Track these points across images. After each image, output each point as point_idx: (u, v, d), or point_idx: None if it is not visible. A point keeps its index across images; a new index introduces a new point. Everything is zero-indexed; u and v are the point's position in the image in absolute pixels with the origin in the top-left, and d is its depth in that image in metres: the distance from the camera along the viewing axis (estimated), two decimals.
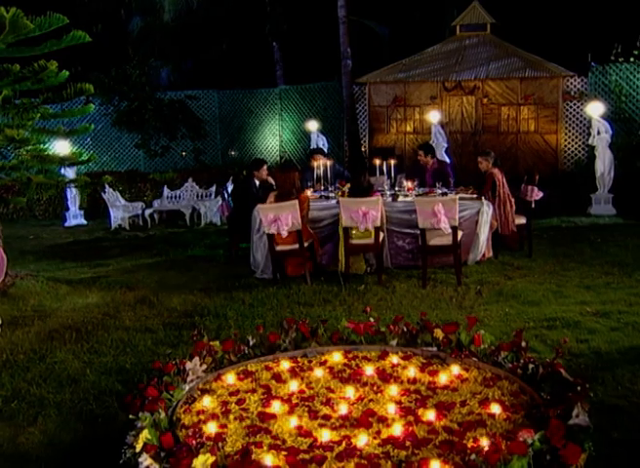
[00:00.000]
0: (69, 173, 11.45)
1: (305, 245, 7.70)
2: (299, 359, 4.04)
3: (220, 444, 2.87)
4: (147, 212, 12.89)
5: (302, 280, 7.67)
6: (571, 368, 4.54)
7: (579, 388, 3.19)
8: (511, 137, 14.37)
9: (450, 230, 7.32)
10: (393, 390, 3.55)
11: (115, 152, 17.42)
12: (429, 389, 3.60)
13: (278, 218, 7.47)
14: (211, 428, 3.09)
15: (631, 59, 13.47)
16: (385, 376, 3.77)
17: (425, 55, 15.48)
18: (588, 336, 5.50)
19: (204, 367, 3.71)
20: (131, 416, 3.04)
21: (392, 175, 8.96)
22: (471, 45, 15.23)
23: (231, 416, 3.30)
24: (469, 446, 2.94)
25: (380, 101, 15.39)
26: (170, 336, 5.98)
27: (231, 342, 4.02)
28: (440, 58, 15.27)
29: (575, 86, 14.06)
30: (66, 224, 13.31)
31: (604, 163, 11.71)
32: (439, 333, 4.13)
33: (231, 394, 3.57)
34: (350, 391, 3.54)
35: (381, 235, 7.78)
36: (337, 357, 4.04)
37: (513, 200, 8.56)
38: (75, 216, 13.53)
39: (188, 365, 3.62)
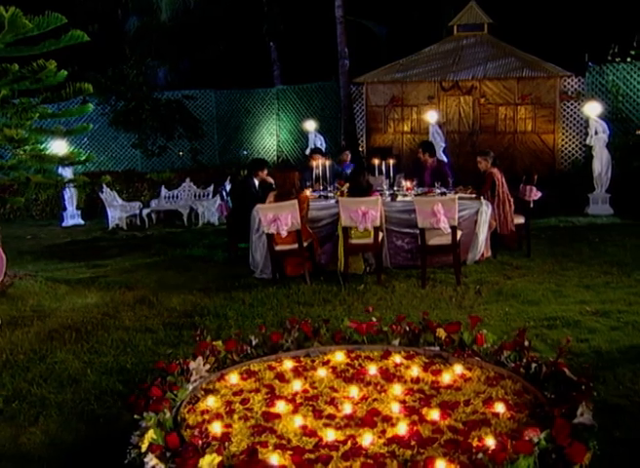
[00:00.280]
0: (66, 172, 11.40)
1: (305, 245, 7.70)
2: (301, 358, 4.04)
3: (226, 443, 2.86)
4: (145, 211, 12.87)
5: (302, 280, 7.66)
6: (572, 367, 4.52)
7: (583, 387, 3.20)
8: (509, 137, 14.40)
9: (449, 230, 7.33)
10: (397, 389, 3.55)
11: (112, 152, 17.40)
12: (433, 388, 3.61)
13: (277, 218, 7.47)
14: (216, 428, 3.09)
15: (628, 60, 13.52)
16: (389, 376, 3.77)
17: (423, 55, 15.50)
18: (589, 336, 5.51)
19: (207, 366, 3.70)
20: (136, 416, 3.03)
21: (391, 174, 8.96)
22: (469, 45, 15.25)
23: (235, 416, 3.30)
24: (474, 445, 2.95)
25: (377, 101, 15.40)
26: (170, 336, 5.97)
27: (234, 342, 4.01)
28: (437, 57, 15.28)
29: (572, 86, 14.09)
30: (64, 224, 13.29)
31: (601, 163, 11.74)
32: (441, 333, 4.13)
33: (235, 394, 3.57)
34: (354, 391, 3.54)
35: (381, 235, 7.79)
36: (339, 356, 4.04)
37: (512, 200, 8.57)
38: (73, 216, 13.51)
39: (192, 364, 3.61)
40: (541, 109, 14.09)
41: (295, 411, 3.34)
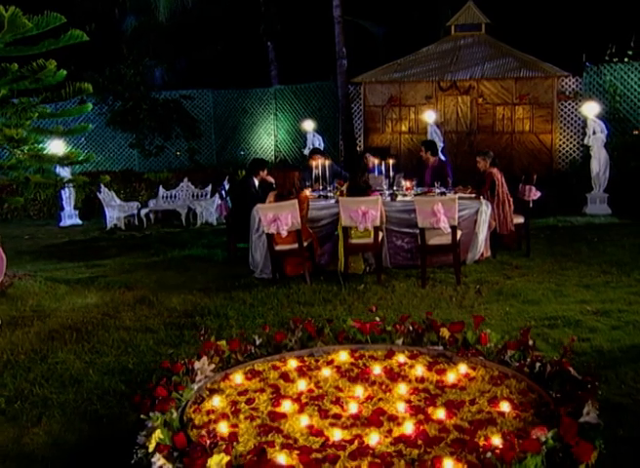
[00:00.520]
0: (64, 172, 11.40)
1: (305, 244, 7.70)
2: (305, 358, 4.04)
3: (236, 443, 2.86)
4: (143, 211, 12.85)
5: (302, 279, 7.66)
6: (574, 366, 4.55)
7: (589, 386, 3.20)
8: (506, 137, 14.42)
9: (449, 230, 7.34)
10: (402, 389, 3.55)
11: (109, 152, 17.37)
12: (438, 388, 3.61)
13: (278, 218, 7.47)
14: (222, 428, 3.09)
15: (625, 60, 13.57)
16: (393, 375, 3.77)
17: (420, 55, 15.52)
18: (590, 335, 5.52)
19: (212, 366, 3.70)
20: (142, 416, 3.03)
21: (391, 174, 8.96)
22: (466, 45, 15.27)
23: (241, 416, 3.29)
24: (481, 444, 2.95)
25: (375, 101, 15.42)
26: (171, 336, 5.96)
27: (238, 342, 4.01)
28: (435, 57, 15.31)
29: (569, 86, 14.12)
30: (61, 224, 13.26)
31: (599, 162, 11.76)
32: (445, 332, 4.14)
33: (240, 393, 3.56)
34: (359, 390, 3.55)
35: (381, 235, 7.79)
36: (343, 356, 4.04)
37: (512, 199, 8.58)
38: (70, 216, 13.48)
39: (196, 364, 3.61)
40: (539, 109, 14.12)
41: (300, 411, 3.34)
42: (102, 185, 12.52)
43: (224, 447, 2.80)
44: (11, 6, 6.72)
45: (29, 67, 6.97)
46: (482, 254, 8.30)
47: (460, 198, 7.70)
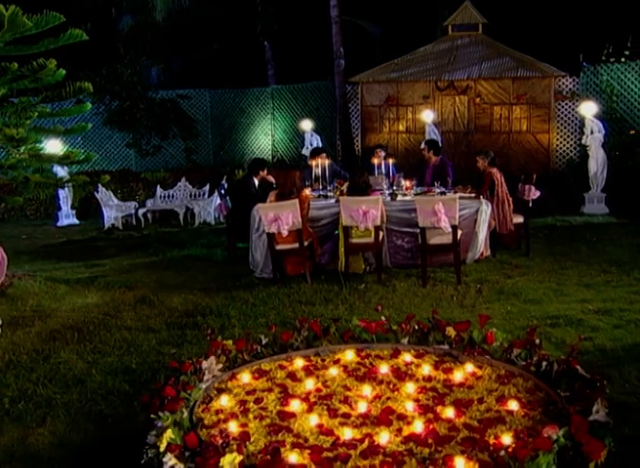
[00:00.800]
0: (61, 172, 11.38)
1: (305, 244, 7.70)
2: (312, 357, 4.04)
3: (247, 442, 2.86)
4: (141, 211, 12.82)
5: (302, 279, 7.66)
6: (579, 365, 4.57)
7: (598, 385, 3.22)
8: (503, 137, 14.46)
9: (450, 229, 7.35)
10: (410, 388, 3.55)
11: (106, 151, 17.32)
12: (445, 387, 3.61)
13: (279, 217, 7.46)
14: (232, 427, 3.09)
15: (622, 60, 13.62)
16: (400, 374, 3.77)
17: (418, 54, 15.53)
18: (592, 334, 5.53)
19: (219, 366, 3.69)
20: (152, 416, 3.02)
21: (391, 173, 8.97)
22: (463, 45, 15.30)
23: (250, 415, 3.29)
24: (491, 442, 2.96)
25: (372, 101, 15.43)
26: (173, 336, 5.95)
27: (244, 341, 4.01)
28: (432, 57, 15.33)
29: (566, 86, 14.16)
30: (59, 224, 13.23)
31: (597, 162, 11.80)
32: (451, 332, 4.14)
33: (248, 393, 3.56)
34: (367, 389, 3.55)
35: (381, 234, 7.79)
36: (349, 355, 4.05)
37: (511, 199, 8.60)
38: (67, 216, 13.45)
39: (204, 364, 3.60)
40: (536, 109, 14.16)
41: (309, 410, 3.34)
42: (100, 185, 12.49)
43: (237, 446, 2.80)
44: (10, 5, 6.71)
45: (29, 66, 6.94)
46: (482, 254, 8.32)
47: (459, 197, 7.72)
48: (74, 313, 6.81)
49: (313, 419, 3.20)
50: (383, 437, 3.01)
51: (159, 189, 13.54)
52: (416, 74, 15.01)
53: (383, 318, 4.34)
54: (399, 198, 8.43)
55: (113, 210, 12.64)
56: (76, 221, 13.50)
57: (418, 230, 7.63)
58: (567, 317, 5.98)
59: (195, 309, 6.76)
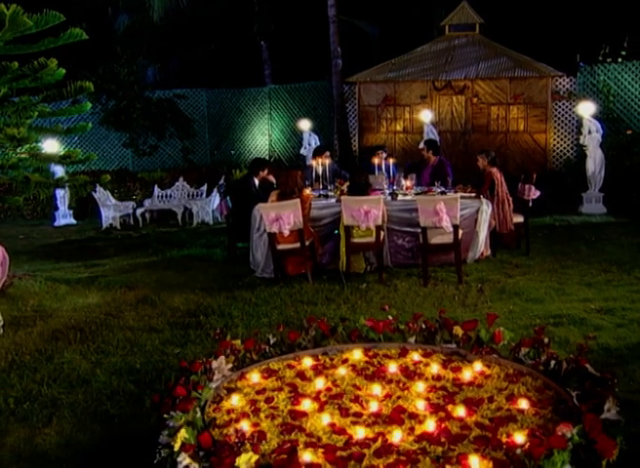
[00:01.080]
0: (59, 172, 11.33)
1: (306, 244, 7.70)
2: (319, 357, 4.04)
3: (263, 441, 2.86)
4: (139, 211, 12.80)
5: (304, 278, 7.66)
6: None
7: (609, 383, 3.23)
8: (501, 137, 14.49)
9: (451, 229, 7.37)
10: (420, 387, 3.56)
11: (103, 151, 17.28)
12: (455, 385, 3.62)
13: (280, 217, 7.46)
14: (245, 427, 3.08)
15: (619, 60, 13.69)
16: (409, 373, 3.77)
17: (415, 54, 15.56)
18: (595, 333, 5.53)
19: (229, 365, 3.69)
20: (165, 416, 3.02)
21: (391, 173, 8.97)
22: (460, 45, 15.34)
23: (262, 415, 3.28)
24: (504, 441, 2.96)
25: (369, 101, 15.44)
26: (177, 336, 5.94)
27: (252, 341, 4.00)
28: (429, 57, 15.36)
29: (563, 86, 14.21)
30: (56, 224, 13.20)
31: (595, 162, 11.84)
32: (458, 331, 4.15)
33: (258, 392, 3.55)
34: (377, 388, 3.54)
35: (382, 234, 7.80)
36: (357, 355, 4.04)
37: (511, 199, 8.62)
38: (64, 216, 13.42)
39: (214, 363, 3.60)
40: (533, 109, 14.21)
41: (321, 410, 3.34)
42: (98, 185, 12.46)
43: (252, 445, 2.79)
44: (9, 5, 6.68)
45: (30, 66, 6.92)
46: (482, 254, 8.33)
47: (460, 197, 7.73)
48: (76, 313, 6.79)
49: (325, 418, 3.20)
50: (396, 436, 3.01)
51: (157, 189, 13.52)
52: (413, 74, 15.03)
53: (390, 317, 4.34)
54: (399, 198, 8.44)
55: (111, 209, 12.61)
56: (73, 221, 13.47)
57: (418, 230, 7.65)
58: (570, 316, 6.00)
59: (197, 309, 6.74)
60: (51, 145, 10.93)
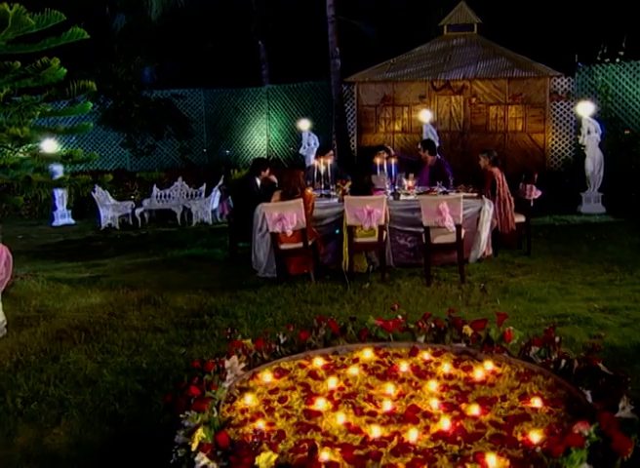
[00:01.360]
0: (58, 172, 11.32)
1: (309, 243, 7.69)
2: (330, 356, 4.04)
3: (282, 440, 2.86)
4: (138, 211, 12.77)
5: (307, 278, 7.65)
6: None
7: (622, 381, 3.24)
8: (499, 137, 14.54)
9: (454, 228, 7.38)
10: (432, 386, 3.56)
11: (101, 151, 17.25)
12: (467, 384, 3.62)
13: (283, 217, 7.46)
14: (260, 426, 3.08)
15: (617, 60, 13.74)
16: (421, 373, 3.78)
17: (413, 54, 15.59)
18: (600, 332, 5.56)
19: (242, 365, 3.69)
20: (181, 416, 3.01)
21: (393, 173, 8.97)
22: (459, 45, 15.38)
23: (276, 414, 3.28)
24: (520, 439, 2.97)
25: (368, 101, 15.46)
26: (182, 336, 5.93)
27: (263, 340, 4.00)
28: (428, 57, 15.40)
29: (562, 86, 14.26)
30: (54, 224, 13.16)
31: (594, 162, 11.88)
32: (468, 330, 4.15)
33: (271, 392, 3.55)
34: (390, 387, 3.55)
35: (385, 233, 7.80)
36: (367, 354, 4.05)
37: (513, 199, 8.64)
38: (63, 216, 13.39)
39: (227, 363, 3.59)
40: (532, 109, 14.26)
41: (335, 409, 3.34)
42: (97, 185, 12.43)
43: (268, 445, 2.79)
44: (11, 4, 6.66)
45: (33, 65, 6.90)
46: (484, 253, 8.35)
47: (462, 197, 7.74)
48: (79, 313, 6.77)
49: (340, 418, 3.20)
50: (412, 434, 3.01)
51: (155, 189, 13.48)
52: (411, 74, 15.06)
53: (400, 317, 4.35)
54: (402, 197, 8.44)
55: (110, 209, 12.58)
56: (72, 221, 13.44)
57: (420, 229, 7.67)
58: (574, 316, 6.01)
59: (201, 309, 6.73)
60: (49, 145, 10.92)
